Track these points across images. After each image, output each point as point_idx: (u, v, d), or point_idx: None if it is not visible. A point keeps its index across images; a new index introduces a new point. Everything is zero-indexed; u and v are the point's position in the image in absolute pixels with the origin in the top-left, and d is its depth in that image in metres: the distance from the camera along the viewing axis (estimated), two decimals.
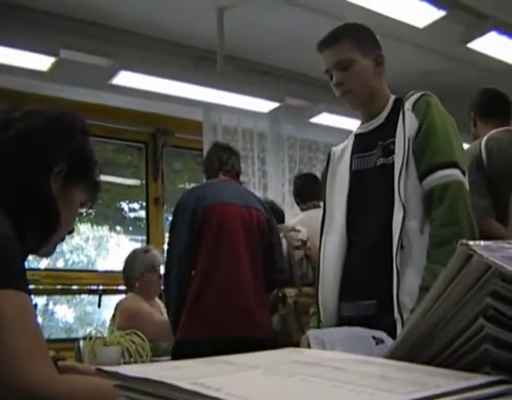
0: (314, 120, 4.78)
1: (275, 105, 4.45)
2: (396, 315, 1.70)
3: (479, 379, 0.51)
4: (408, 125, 1.84)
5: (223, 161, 3.15)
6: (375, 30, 1.83)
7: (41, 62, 3.47)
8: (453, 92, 5.53)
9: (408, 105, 1.89)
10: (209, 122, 4.77)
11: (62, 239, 1.29)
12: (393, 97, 2.01)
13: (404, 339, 0.66)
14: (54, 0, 3.89)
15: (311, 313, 2.11)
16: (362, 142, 2.00)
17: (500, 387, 0.51)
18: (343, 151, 2.07)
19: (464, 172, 1.81)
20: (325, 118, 4.58)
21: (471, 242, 0.55)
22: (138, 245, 5.11)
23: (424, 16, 3.99)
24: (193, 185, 4.63)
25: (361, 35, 1.99)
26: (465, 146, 4.11)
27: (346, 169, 2.00)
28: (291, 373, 0.54)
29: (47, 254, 1.31)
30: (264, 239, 2.98)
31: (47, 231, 1.20)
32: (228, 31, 4.18)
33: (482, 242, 0.56)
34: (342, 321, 1.87)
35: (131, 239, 5.29)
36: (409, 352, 0.65)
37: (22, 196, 1.14)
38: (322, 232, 2.02)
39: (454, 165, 1.79)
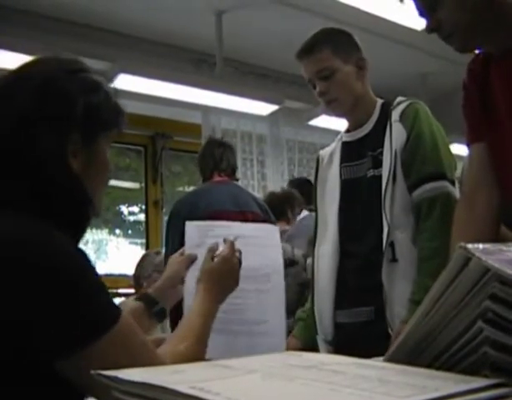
0: (313, 122, 4.78)
1: (274, 108, 4.45)
2: (389, 330, 1.70)
3: (478, 382, 0.52)
4: (395, 137, 1.81)
5: (217, 159, 3.10)
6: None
7: None
8: (450, 94, 5.54)
9: (395, 115, 1.85)
10: (208, 124, 4.77)
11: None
12: (380, 102, 1.96)
13: (404, 342, 0.66)
14: (53, 3, 3.89)
15: (296, 318, 2.08)
16: (350, 151, 1.95)
17: (499, 389, 0.51)
18: (331, 156, 2.03)
19: (452, 182, 1.78)
20: (324, 121, 4.58)
21: (469, 245, 0.55)
22: (137, 248, 5.12)
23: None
24: (192, 188, 4.63)
25: (339, 41, 1.93)
26: (460, 147, 4.08)
27: (336, 178, 1.96)
28: (290, 377, 0.54)
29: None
30: None
31: (81, 216, 1.08)
32: (227, 34, 4.18)
33: (480, 245, 0.56)
34: (337, 328, 1.86)
35: (130, 242, 5.29)
36: (408, 355, 0.65)
37: (44, 193, 1.00)
38: (315, 241, 2.00)
39: (442, 176, 1.77)
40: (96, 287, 0.95)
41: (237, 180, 3.24)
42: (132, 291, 3.79)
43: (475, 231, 1.44)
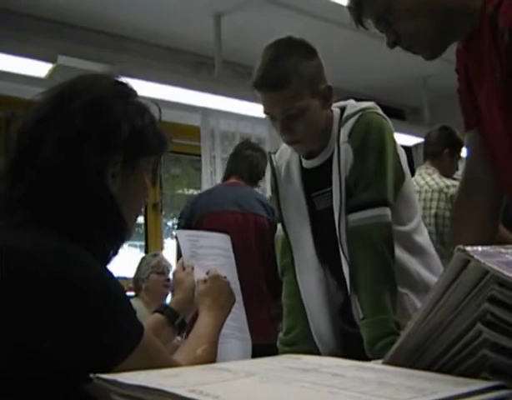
0: None
1: None
2: None
3: (478, 385, 0.52)
4: (343, 163, 1.64)
5: (240, 162, 3.10)
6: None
7: (38, 68, 3.47)
8: (450, 96, 5.53)
9: (343, 136, 1.65)
10: (207, 127, 4.76)
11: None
12: (337, 117, 1.72)
13: (403, 345, 0.65)
14: (52, 6, 3.89)
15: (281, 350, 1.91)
16: (311, 178, 1.76)
17: (498, 392, 0.51)
18: (288, 171, 1.81)
19: (391, 206, 1.63)
20: None
21: (468, 248, 0.55)
22: (136, 251, 5.11)
23: None
24: (191, 191, 4.63)
25: (310, 68, 1.62)
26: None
27: (300, 201, 1.77)
28: (289, 380, 0.54)
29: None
30: (265, 243, 2.87)
31: (117, 239, 1.10)
32: (226, 36, 4.18)
33: (479, 248, 0.56)
34: (344, 334, 1.80)
35: (129, 245, 5.28)
36: (407, 358, 0.65)
37: (80, 211, 1.01)
38: (293, 265, 1.82)
39: (383, 203, 1.62)
40: (120, 307, 0.97)
41: (258, 186, 3.18)
42: (132, 293, 3.82)
43: (475, 219, 1.45)
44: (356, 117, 1.66)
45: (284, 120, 1.64)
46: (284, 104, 1.61)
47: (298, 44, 1.67)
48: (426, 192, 3.36)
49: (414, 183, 3.37)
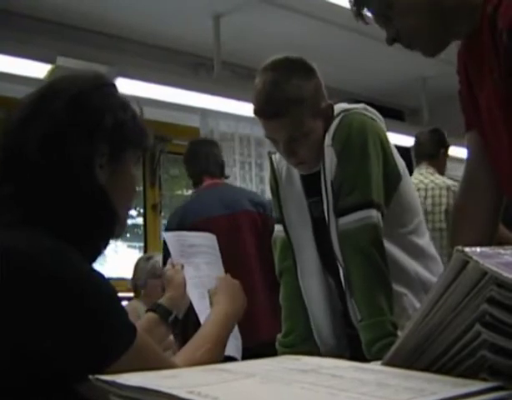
0: None
1: None
2: None
3: (477, 386, 0.52)
4: (328, 168, 1.63)
5: (205, 161, 3.03)
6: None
7: (37, 69, 3.47)
8: (450, 97, 5.53)
9: (328, 139, 1.64)
10: (206, 128, 4.76)
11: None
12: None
13: (402, 346, 0.65)
14: (50, 7, 3.89)
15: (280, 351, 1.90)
16: (309, 184, 1.75)
17: (497, 393, 0.51)
18: (289, 171, 1.80)
19: (378, 206, 1.61)
20: None
21: (467, 249, 0.55)
22: (135, 252, 5.12)
23: None
24: (190, 191, 4.62)
25: (313, 91, 1.62)
26: (460, 150, 4.09)
27: (302, 204, 1.77)
28: (288, 381, 0.54)
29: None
30: (262, 239, 2.78)
31: (108, 232, 1.10)
32: (225, 37, 4.18)
33: (478, 249, 0.56)
34: (349, 337, 1.79)
35: (129, 246, 5.28)
36: (406, 359, 0.65)
37: (70, 203, 1.02)
38: (295, 269, 1.81)
39: (369, 204, 1.60)
40: (113, 309, 0.97)
41: (226, 178, 3.18)
42: (131, 294, 3.81)
43: (475, 220, 1.45)
44: (338, 119, 1.65)
45: (287, 143, 1.64)
46: (287, 130, 1.61)
47: (296, 66, 1.65)
48: (433, 189, 3.45)
49: (418, 181, 3.43)
